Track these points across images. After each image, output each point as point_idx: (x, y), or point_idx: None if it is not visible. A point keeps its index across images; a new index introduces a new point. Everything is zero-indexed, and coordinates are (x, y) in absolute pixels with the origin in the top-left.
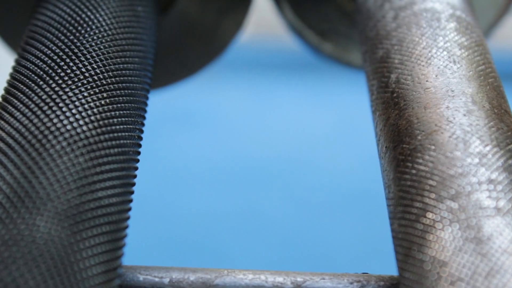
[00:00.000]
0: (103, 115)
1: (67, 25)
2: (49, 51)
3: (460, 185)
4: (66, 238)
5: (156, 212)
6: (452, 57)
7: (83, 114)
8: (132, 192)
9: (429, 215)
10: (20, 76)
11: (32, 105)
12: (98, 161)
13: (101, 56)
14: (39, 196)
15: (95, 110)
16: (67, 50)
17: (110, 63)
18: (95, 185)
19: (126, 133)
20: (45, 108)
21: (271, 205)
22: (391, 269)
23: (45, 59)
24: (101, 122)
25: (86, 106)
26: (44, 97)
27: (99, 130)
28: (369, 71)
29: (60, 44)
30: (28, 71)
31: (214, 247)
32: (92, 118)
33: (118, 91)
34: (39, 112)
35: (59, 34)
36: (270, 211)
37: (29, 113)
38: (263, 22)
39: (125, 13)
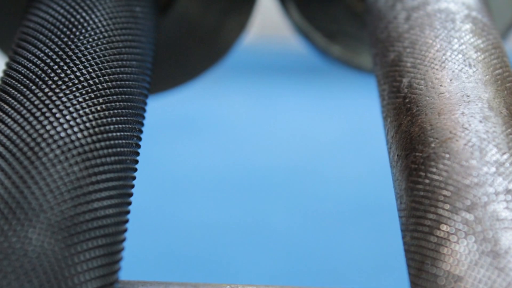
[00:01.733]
0: (99, 121)
1: (61, 26)
2: (42, 54)
3: (476, 196)
4: (59, 252)
5: (155, 223)
6: (468, 60)
7: (78, 120)
8: (130, 203)
9: (443, 227)
10: (12, 80)
11: (24, 111)
12: (94, 170)
13: (96, 59)
14: (31, 207)
15: (90, 116)
16: (61, 52)
17: (107, 66)
18: (90, 195)
19: (124, 141)
20: (38, 114)
21: (276, 217)
22: (403, 285)
23: (37, 63)
24: (97, 129)
25: (81, 112)
26: (36, 102)
27: (94, 138)
28: (380, 75)
29: (53, 46)
30: (20, 75)
31: (216, 260)
32: (88, 124)
33: (114, 96)
34: (31, 119)
35: (53, 36)
36: (275, 223)
37: (21, 120)
38: (268, 24)
39: (122, 13)
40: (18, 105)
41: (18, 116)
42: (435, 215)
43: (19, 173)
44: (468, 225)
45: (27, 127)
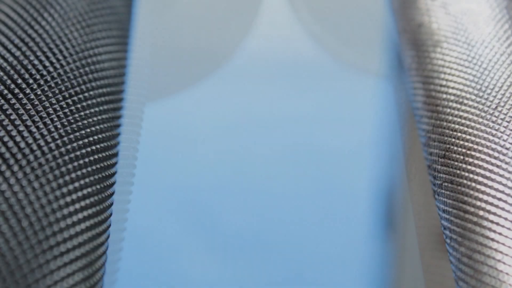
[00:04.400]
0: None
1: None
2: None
3: None
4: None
5: (153, 242)
6: None
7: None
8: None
9: None
10: None
11: None
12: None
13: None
14: None
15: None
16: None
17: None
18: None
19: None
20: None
21: (281, 230)
22: None
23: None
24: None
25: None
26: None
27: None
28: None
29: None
30: None
31: (217, 278)
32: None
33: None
34: None
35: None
36: (278, 235)
37: None
38: (275, 25)
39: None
40: None
41: None
42: None
43: None
44: None
45: None
